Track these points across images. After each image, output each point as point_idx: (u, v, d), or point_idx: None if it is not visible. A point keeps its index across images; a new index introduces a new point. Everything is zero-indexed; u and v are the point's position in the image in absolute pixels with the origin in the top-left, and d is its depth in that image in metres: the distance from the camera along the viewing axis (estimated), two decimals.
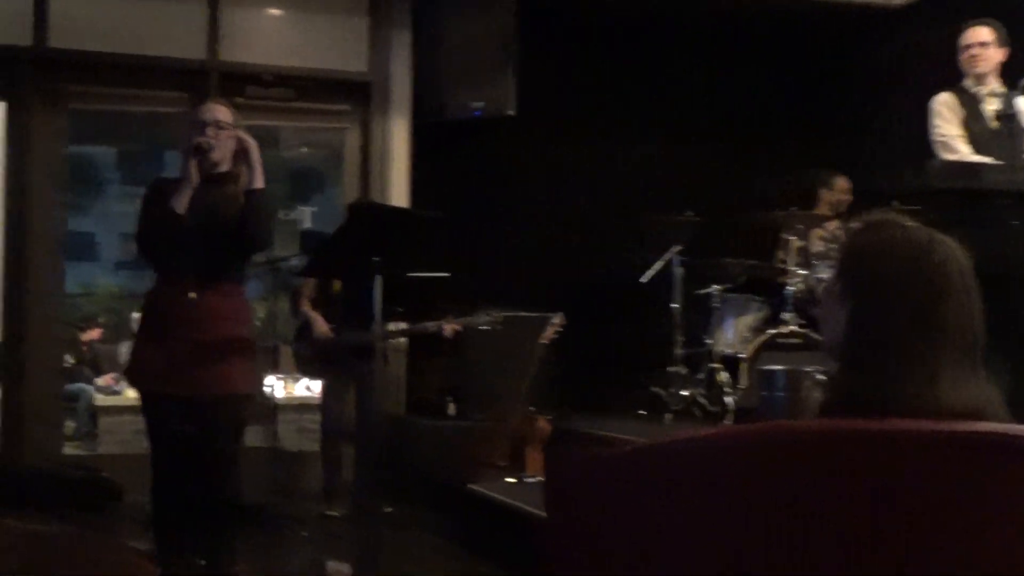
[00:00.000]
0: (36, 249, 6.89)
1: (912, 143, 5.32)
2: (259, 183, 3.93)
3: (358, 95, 7.52)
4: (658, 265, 6.76)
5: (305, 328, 6.09)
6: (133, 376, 4.09)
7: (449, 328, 6.01)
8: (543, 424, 6.05)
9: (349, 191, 7.60)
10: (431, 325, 6.02)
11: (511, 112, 7.14)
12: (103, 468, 6.47)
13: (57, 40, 6.94)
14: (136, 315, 10.79)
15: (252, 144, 4.00)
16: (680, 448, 1.61)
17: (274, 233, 4.08)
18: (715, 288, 6.70)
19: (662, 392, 6.62)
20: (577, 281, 7.32)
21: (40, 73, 6.92)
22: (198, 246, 3.82)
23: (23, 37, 6.87)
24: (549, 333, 6.14)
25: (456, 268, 5.67)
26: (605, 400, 6.93)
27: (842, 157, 7.17)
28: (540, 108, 7.33)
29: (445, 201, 7.07)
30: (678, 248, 6.75)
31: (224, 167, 4.03)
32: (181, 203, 3.87)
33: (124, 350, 10.47)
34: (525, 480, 5.76)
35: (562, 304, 6.46)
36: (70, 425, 9.17)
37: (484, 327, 6.15)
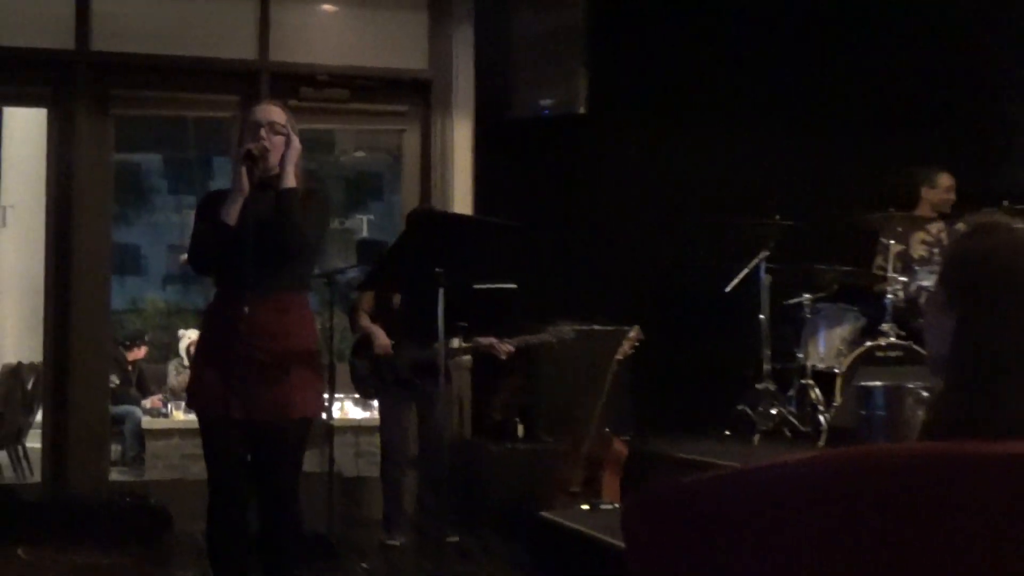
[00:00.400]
0: (81, 263, 7.02)
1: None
2: (290, 182, 3.95)
3: (417, 95, 7.57)
4: (743, 273, 6.70)
5: (363, 344, 6.12)
6: (191, 396, 4.14)
7: (504, 348, 6.03)
8: (619, 447, 6.01)
9: (408, 197, 7.65)
10: (488, 342, 6.03)
11: (582, 110, 7.15)
12: (152, 495, 6.55)
13: (101, 43, 7.08)
14: (184, 332, 11.04)
15: (293, 144, 4.03)
16: (769, 474, 1.59)
17: (312, 236, 4.06)
18: (806, 297, 6.63)
19: (749, 411, 6.56)
20: (655, 291, 7.29)
21: (83, 77, 7.06)
22: (252, 256, 3.84)
23: (65, 40, 7.02)
24: (625, 348, 6.11)
25: (524, 279, 5.67)
26: (687, 420, 6.88)
27: (946, 152, 7.06)
28: (613, 105, 7.31)
29: (511, 207, 7.07)
30: (765, 254, 6.69)
31: (277, 169, 4.07)
32: (231, 213, 3.90)
33: (172, 369, 10.62)
34: (600, 507, 5.72)
35: (639, 316, 6.42)
36: (116, 449, 9.32)
37: (555, 342, 6.14)
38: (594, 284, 7.26)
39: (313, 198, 4.08)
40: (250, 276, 3.84)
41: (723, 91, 7.62)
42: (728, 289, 6.69)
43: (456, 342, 6.03)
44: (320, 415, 4.72)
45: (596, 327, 6.55)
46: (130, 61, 7.14)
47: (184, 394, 4.72)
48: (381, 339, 6.02)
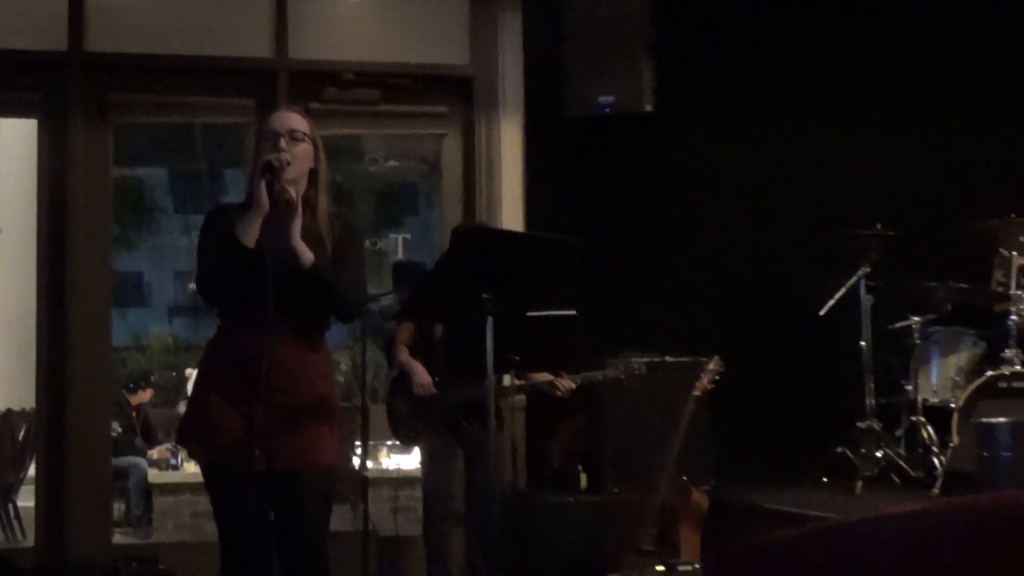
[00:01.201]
0: (77, 294, 7.09)
1: None
2: (307, 257, 3.97)
3: (458, 94, 7.62)
4: (840, 293, 6.67)
5: (402, 382, 6.15)
6: (188, 442, 4.18)
7: (563, 385, 6.03)
8: (699, 497, 5.99)
9: (449, 212, 7.68)
10: (544, 378, 6.04)
11: (648, 107, 7.16)
12: (160, 559, 6.60)
13: (96, 42, 7.19)
14: (193, 372, 11.13)
15: (320, 172, 4.11)
16: (876, 527, 1.59)
17: (360, 290, 4.16)
18: (914, 320, 6.59)
19: (850, 454, 6.52)
20: (737, 316, 7.27)
21: (77, 82, 7.16)
22: (269, 285, 3.87)
23: (56, 40, 7.13)
24: (704, 382, 6.08)
25: (585, 304, 5.68)
26: (777, 465, 6.85)
27: None
28: (684, 100, 7.32)
29: (568, 220, 7.10)
30: (865, 270, 6.66)
31: (301, 187, 4.11)
32: (249, 233, 3.94)
33: (182, 414, 10.71)
34: (678, 568, 5.69)
35: (719, 345, 6.40)
36: (119, 507, 9.38)
37: (622, 377, 6.13)
38: (666, 308, 7.25)
39: (341, 228, 4.12)
40: (268, 308, 3.86)
41: (812, 82, 7.59)
42: (823, 312, 6.66)
43: (508, 379, 6.04)
44: (341, 462, 4.76)
45: (669, 359, 6.54)
46: (130, 62, 7.24)
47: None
48: (421, 376, 6.04)
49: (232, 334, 4.06)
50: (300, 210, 3.94)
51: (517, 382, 6.14)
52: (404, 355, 6.17)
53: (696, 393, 6.03)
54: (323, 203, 4.10)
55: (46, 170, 7.19)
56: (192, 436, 4.14)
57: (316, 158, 4.13)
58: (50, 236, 7.15)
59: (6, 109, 7.63)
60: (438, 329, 6.12)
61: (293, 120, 4.11)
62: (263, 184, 3.95)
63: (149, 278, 22.29)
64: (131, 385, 11.03)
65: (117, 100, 7.29)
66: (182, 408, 10.66)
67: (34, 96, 7.22)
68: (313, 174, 4.12)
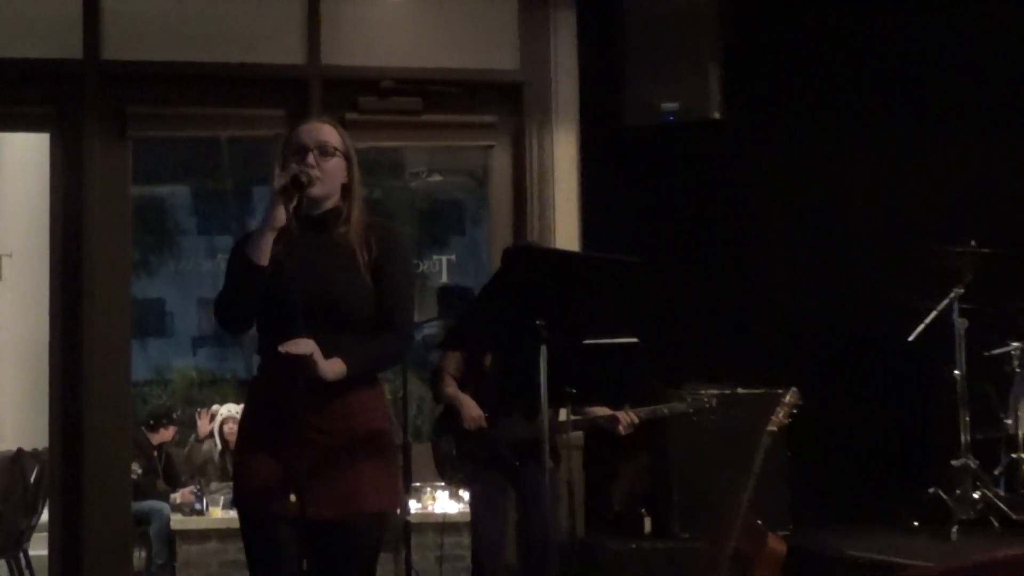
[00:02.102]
0: (92, 323, 7.14)
1: None
2: (338, 371, 3.97)
3: (508, 102, 7.65)
4: (931, 316, 6.63)
5: (448, 417, 6.14)
6: (239, 494, 4.18)
7: (626, 420, 6.01)
8: (775, 543, 5.95)
9: (498, 231, 7.70)
10: (605, 413, 6.02)
11: (716, 114, 7.15)
12: None
13: (114, 50, 7.25)
14: (219, 409, 11.17)
15: (354, 199, 4.15)
16: None
17: (404, 337, 4.19)
18: (1014, 346, 6.54)
19: (944, 495, 6.46)
20: (817, 342, 7.25)
21: (93, 92, 7.23)
22: (304, 316, 3.88)
23: (70, 48, 7.20)
24: (780, 416, 6.05)
25: (649, 331, 5.66)
26: (862, 508, 6.81)
27: None
28: (756, 107, 7.31)
29: (629, 239, 7.11)
30: (959, 291, 6.61)
31: (330, 203, 4.13)
32: (261, 251, 3.96)
33: (206, 454, 10.74)
34: None
35: (797, 375, 6.37)
36: (140, 556, 9.42)
37: (690, 411, 6.11)
38: (737, 335, 7.23)
39: (380, 237, 4.14)
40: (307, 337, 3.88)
41: (895, 84, 7.57)
42: (912, 338, 6.62)
43: (564, 414, 6.03)
44: (395, 510, 4.76)
45: (741, 391, 6.52)
46: (150, 71, 7.30)
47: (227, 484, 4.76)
48: (471, 409, 6.04)
49: (270, 370, 4.09)
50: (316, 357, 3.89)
51: (574, 417, 6.12)
52: (451, 388, 6.17)
53: (771, 428, 6.00)
54: (357, 218, 4.11)
55: (59, 188, 7.25)
56: (240, 485, 4.16)
57: (349, 172, 4.14)
58: (64, 260, 7.20)
59: (16, 123, 7.70)
60: (487, 359, 6.12)
61: (323, 132, 4.13)
62: (280, 199, 3.98)
63: (171, 306, 22.43)
64: (152, 423, 11.06)
65: (136, 112, 7.33)
66: (207, 447, 10.81)
67: (46, 108, 7.29)
68: (346, 189, 4.15)
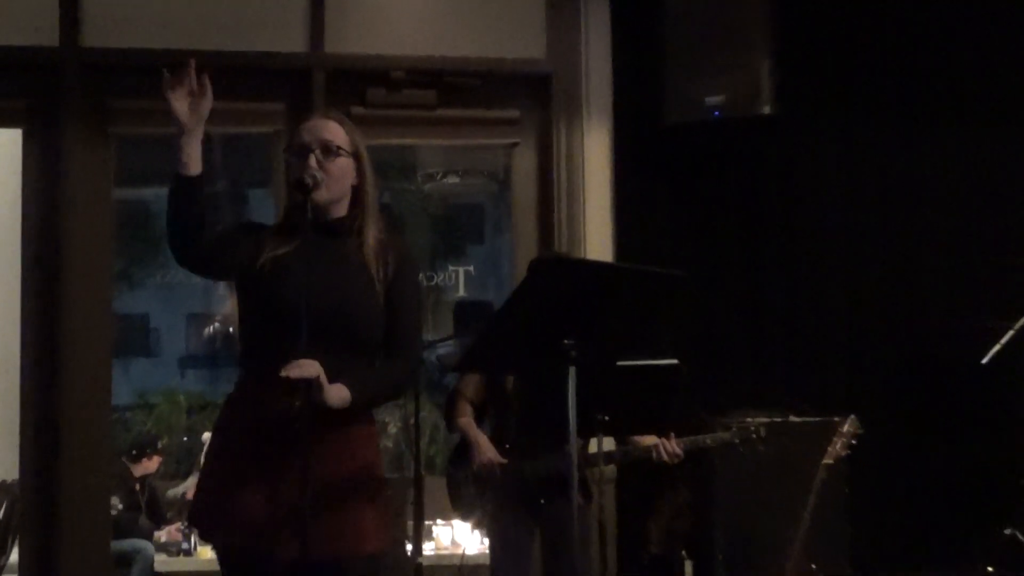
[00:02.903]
0: (69, 341, 7.14)
1: None
2: (343, 397, 3.96)
3: (533, 95, 7.65)
4: (1008, 336, 6.60)
5: (465, 449, 6.14)
6: (202, 522, 4.19)
7: (665, 450, 5.98)
8: None
9: (523, 240, 7.70)
10: (641, 443, 6.00)
11: (767, 110, 7.14)
12: None
13: (95, 36, 7.26)
14: (210, 436, 11.14)
15: (368, 209, 4.15)
16: None
17: (411, 363, 4.20)
18: None
19: (1021, 536, 6.44)
20: (879, 365, 7.22)
21: (72, 84, 7.24)
22: (307, 331, 3.87)
23: (46, 35, 7.21)
24: (838, 448, 6.05)
25: (691, 351, 5.66)
26: (928, 550, 6.79)
27: None
28: (811, 102, 7.32)
29: (669, 248, 7.11)
30: None
31: (341, 209, 4.14)
32: (182, 158, 4.16)
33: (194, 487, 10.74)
34: None
35: (857, 402, 6.37)
36: None
37: (737, 441, 6.10)
38: (790, 357, 7.23)
39: (396, 260, 4.14)
40: (304, 355, 3.86)
41: (968, 77, 7.53)
42: (985, 360, 6.59)
43: (596, 444, 6.01)
44: (388, 549, 4.77)
45: (794, 419, 6.49)
46: (135, 60, 7.27)
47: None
48: (484, 451, 6.00)
49: (255, 388, 4.07)
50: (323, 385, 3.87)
51: (607, 448, 6.11)
52: (465, 418, 6.15)
53: (828, 461, 6.00)
54: (371, 226, 4.12)
55: (33, 191, 7.26)
56: (206, 515, 4.14)
57: (360, 173, 4.14)
58: (38, 271, 7.21)
59: None
60: (509, 383, 6.11)
61: (327, 129, 4.13)
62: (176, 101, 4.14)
63: (157, 322, 22.46)
64: (134, 452, 11.07)
65: (119, 106, 7.37)
66: (193, 480, 10.80)
67: (19, 102, 7.31)
68: (357, 192, 4.15)
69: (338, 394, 3.88)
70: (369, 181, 4.17)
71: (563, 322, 4.22)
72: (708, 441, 6.11)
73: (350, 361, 3.99)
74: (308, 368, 3.78)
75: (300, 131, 4.17)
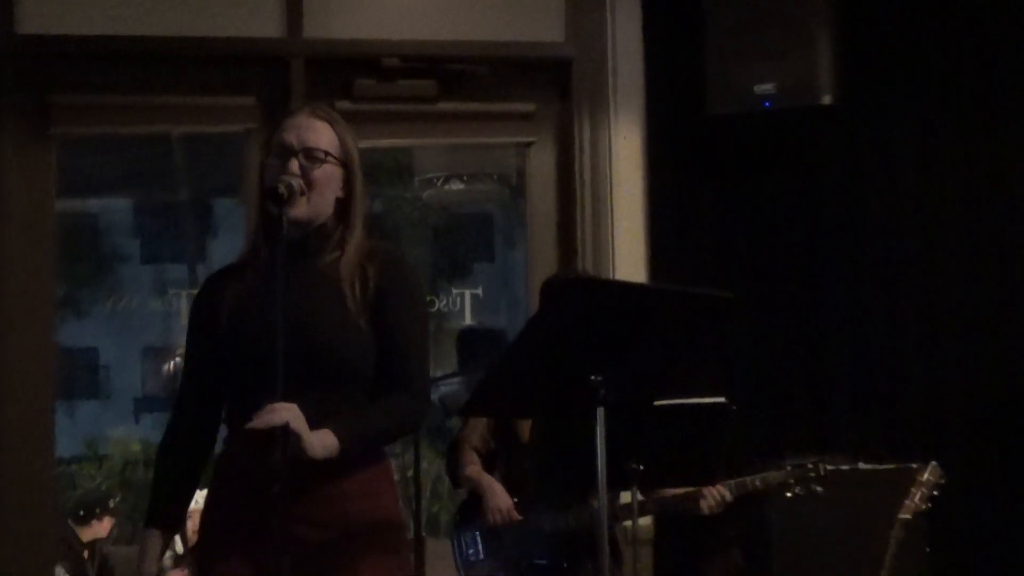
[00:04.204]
0: (4, 379, 7.13)
1: None
2: (328, 447, 3.96)
3: (551, 84, 7.67)
4: None
5: (473, 505, 6.14)
6: None
7: (712, 498, 5.97)
8: None
9: (539, 255, 7.70)
10: (681, 493, 6.00)
11: (827, 99, 7.14)
12: None
13: (34, 21, 7.25)
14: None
15: (353, 221, 4.15)
16: None
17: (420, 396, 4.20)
18: None
19: None
20: (963, 402, 7.21)
21: (7, 77, 7.23)
22: (286, 374, 3.86)
23: None
24: (916, 499, 6.04)
25: (741, 387, 5.65)
26: None
27: None
28: (879, 90, 7.32)
29: (713, 265, 7.10)
30: None
31: (321, 220, 4.13)
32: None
33: (167, 561, 10.76)
34: None
35: (938, 446, 6.37)
36: None
37: (796, 490, 6.09)
38: (856, 392, 7.21)
39: (381, 267, 4.13)
40: (292, 398, 3.84)
41: None
42: None
43: (628, 496, 6.01)
44: None
45: (864, 465, 6.47)
46: (81, 49, 7.30)
47: None
48: (497, 500, 6.02)
49: (240, 443, 4.08)
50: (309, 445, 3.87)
51: (642, 499, 6.10)
52: (473, 468, 6.14)
53: (905, 516, 5.99)
54: (353, 244, 4.09)
55: None
56: None
57: (348, 185, 4.12)
58: None
59: None
60: (524, 428, 6.10)
61: (313, 130, 4.12)
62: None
63: (107, 358, 22.48)
64: (82, 513, 11.07)
65: (62, 102, 7.35)
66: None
67: None
68: (342, 207, 4.14)
69: (322, 442, 3.86)
70: (358, 195, 4.14)
71: (589, 355, 4.23)
72: (757, 483, 6.09)
73: (338, 402, 3.99)
74: (279, 414, 3.76)
75: (282, 128, 4.14)
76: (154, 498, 4.22)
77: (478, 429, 6.21)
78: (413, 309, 4.20)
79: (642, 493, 6.03)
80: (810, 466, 6.03)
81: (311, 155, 4.06)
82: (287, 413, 3.75)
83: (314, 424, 3.83)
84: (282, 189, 3.96)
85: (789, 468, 6.06)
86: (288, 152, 4.06)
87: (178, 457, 4.24)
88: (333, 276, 4.06)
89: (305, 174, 4.03)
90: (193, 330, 4.25)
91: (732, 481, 6.00)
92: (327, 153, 4.08)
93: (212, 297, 4.15)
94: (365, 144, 4.46)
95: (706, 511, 6.00)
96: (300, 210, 4.00)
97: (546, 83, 7.66)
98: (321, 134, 4.11)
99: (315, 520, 3.95)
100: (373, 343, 4.06)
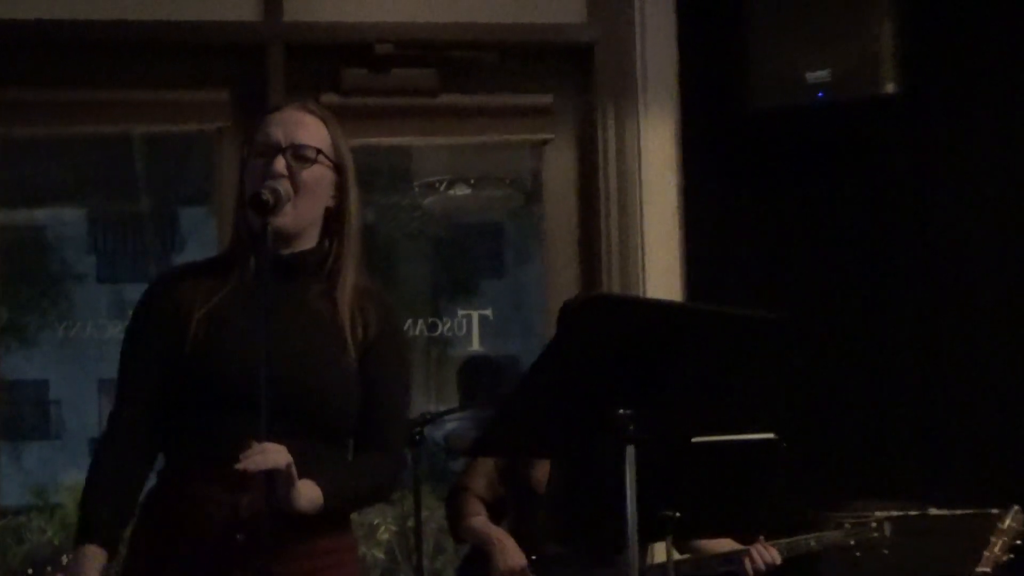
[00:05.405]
0: None
1: None
2: (312, 500, 3.95)
3: (570, 73, 7.70)
4: None
5: (478, 561, 6.15)
6: None
7: (763, 558, 5.97)
8: None
9: (557, 271, 7.74)
10: (727, 548, 6.00)
11: (890, 88, 7.15)
12: None
13: None
14: None
15: (349, 233, 4.14)
16: None
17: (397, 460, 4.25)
18: None
19: None
20: None
21: None
22: (258, 395, 3.86)
23: None
24: (996, 550, 6.05)
25: (791, 423, 5.65)
26: None
27: None
28: (949, 78, 7.33)
29: (759, 280, 7.11)
30: None
31: (305, 241, 4.13)
32: None
33: None
34: None
35: (1020, 489, 6.36)
36: None
37: (851, 543, 6.10)
38: (926, 426, 7.21)
39: (385, 319, 4.15)
40: (256, 436, 3.84)
41: None
42: None
43: (662, 550, 6.02)
44: None
45: (934, 511, 6.49)
46: (26, 35, 7.33)
47: None
48: (509, 556, 6.02)
49: (183, 485, 4.08)
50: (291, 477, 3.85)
51: (677, 556, 6.11)
52: (478, 519, 6.15)
53: (984, 569, 6.00)
54: (350, 267, 4.10)
55: None
56: None
57: (341, 192, 4.13)
58: None
59: None
60: (539, 471, 6.10)
61: (304, 127, 4.14)
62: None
63: (59, 392, 22.51)
64: (30, 572, 11.15)
65: (5, 98, 7.38)
66: None
67: None
68: (334, 217, 4.14)
69: (308, 494, 3.87)
70: (352, 203, 4.15)
71: (616, 385, 4.23)
72: (812, 543, 6.10)
73: (322, 453, 3.99)
74: (271, 456, 3.75)
75: (267, 124, 4.15)
76: (86, 515, 4.13)
77: (483, 474, 6.21)
78: (403, 366, 4.25)
79: (676, 546, 6.05)
80: (874, 525, 6.04)
81: (300, 153, 4.06)
82: (280, 457, 3.74)
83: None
84: (266, 195, 3.95)
85: (848, 526, 6.07)
86: (273, 149, 4.05)
87: (112, 489, 4.14)
88: (328, 307, 4.06)
89: (292, 175, 4.03)
90: (139, 336, 4.21)
91: (784, 541, 6.01)
92: (319, 151, 4.08)
93: (172, 301, 4.14)
94: (356, 143, 4.47)
95: (758, 570, 6.00)
96: (284, 218, 4.00)
97: (564, 72, 7.69)
98: (312, 130, 4.11)
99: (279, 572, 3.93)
100: (359, 392, 4.07)
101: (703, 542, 6.04)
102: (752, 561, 5.94)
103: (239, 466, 3.70)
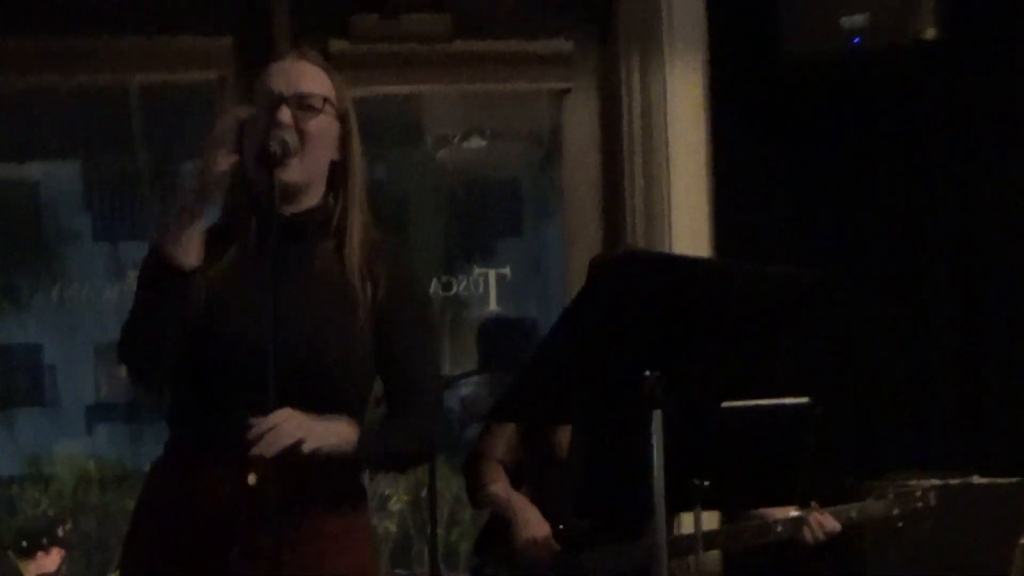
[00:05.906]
0: None
1: None
2: (345, 440, 3.96)
3: (591, 18, 7.68)
4: None
5: (497, 530, 6.14)
6: None
7: (814, 526, 5.95)
8: None
9: (579, 228, 7.74)
10: (768, 517, 5.98)
11: (931, 33, 7.13)
12: None
13: None
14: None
15: (353, 196, 4.13)
16: None
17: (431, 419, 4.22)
18: None
19: None
20: None
21: None
22: (269, 374, 3.84)
23: None
24: None
25: (827, 386, 5.64)
26: None
27: None
28: (993, 22, 7.30)
29: (794, 236, 7.09)
30: None
31: (313, 195, 4.12)
32: (182, 247, 3.90)
33: None
34: None
35: None
36: None
37: (894, 514, 6.09)
38: (968, 391, 7.20)
39: (397, 272, 4.13)
40: (261, 408, 3.82)
41: None
42: None
43: (693, 521, 6.01)
44: None
45: (979, 479, 6.49)
46: None
47: None
48: (529, 527, 6.00)
49: (190, 461, 4.08)
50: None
51: (707, 527, 6.09)
52: (498, 485, 6.13)
53: None
54: (357, 223, 4.08)
55: None
56: None
57: (344, 144, 4.11)
58: None
59: None
60: (562, 437, 6.10)
61: (306, 75, 4.12)
62: (217, 184, 3.96)
63: (53, 357, 22.51)
64: (25, 544, 11.15)
65: None
66: None
67: None
68: (338, 171, 4.13)
69: (337, 431, 3.87)
70: (356, 155, 4.12)
71: (642, 347, 4.22)
72: (853, 515, 6.09)
73: (322, 406, 3.98)
74: (287, 433, 3.72)
75: (268, 75, 4.13)
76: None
77: (504, 438, 6.18)
78: (422, 320, 4.23)
79: (727, 516, 6.04)
80: (918, 494, 6.02)
81: (306, 103, 4.04)
82: (293, 427, 3.72)
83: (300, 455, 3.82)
84: (275, 147, 3.91)
85: (892, 496, 6.05)
86: (277, 100, 4.03)
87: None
88: (337, 270, 4.05)
89: (299, 128, 4.01)
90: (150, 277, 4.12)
91: (830, 508, 5.99)
92: (325, 99, 4.06)
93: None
94: (366, 93, 4.47)
95: (809, 539, 5.97)
96: (291, 172, 3.97)
97: (585, 17, 7.67)
98: (315, 80, 4.10)
99: (290, 566, 3.90)
100: (373, 358, 4.07)
101: (763, 510, 6.01)
102: (810, 528, 5.92)
103: (253, 451, 3.67)
